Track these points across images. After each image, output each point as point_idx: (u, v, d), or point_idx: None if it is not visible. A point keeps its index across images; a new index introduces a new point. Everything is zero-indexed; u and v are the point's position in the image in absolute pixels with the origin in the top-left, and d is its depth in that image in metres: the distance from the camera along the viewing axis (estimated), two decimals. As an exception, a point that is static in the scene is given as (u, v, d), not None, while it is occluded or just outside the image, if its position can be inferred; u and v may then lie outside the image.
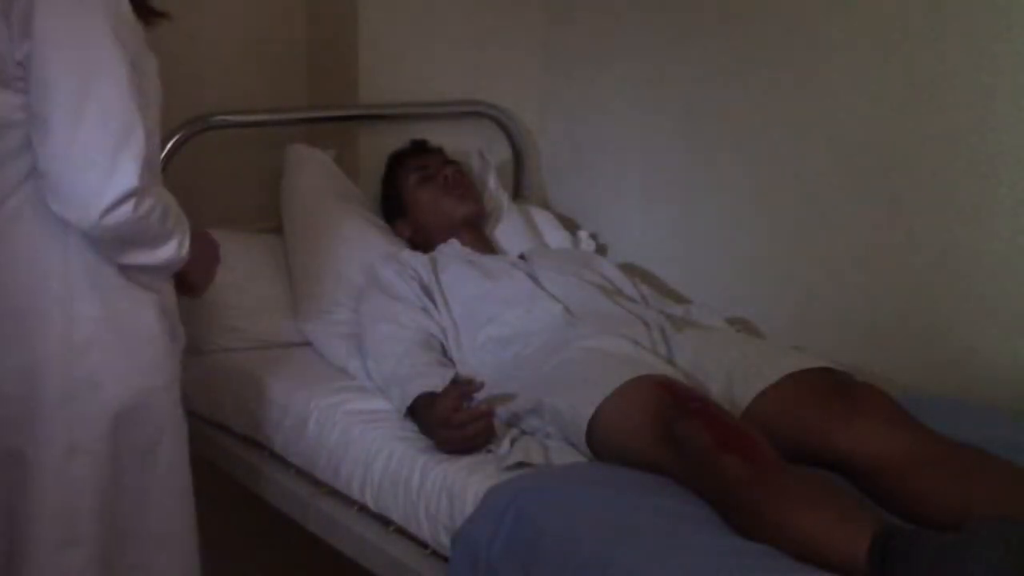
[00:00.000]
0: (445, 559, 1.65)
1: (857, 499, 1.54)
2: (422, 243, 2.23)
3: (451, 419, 1.69)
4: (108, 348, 1.57)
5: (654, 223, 2.34)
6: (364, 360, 2.00)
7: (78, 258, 1.54)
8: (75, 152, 1.46)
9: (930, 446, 1.58)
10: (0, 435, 1.56)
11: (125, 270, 1.58)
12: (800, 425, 1.66)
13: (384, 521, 1.78)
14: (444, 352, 1.98)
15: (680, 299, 2.16)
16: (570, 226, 2.42)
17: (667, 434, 1.60)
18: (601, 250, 2.34)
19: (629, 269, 2.24)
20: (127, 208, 1.47)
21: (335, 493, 1.88)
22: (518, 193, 2.52)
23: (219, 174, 2.26)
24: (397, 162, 2.30)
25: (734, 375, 1.76)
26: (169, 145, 2.10)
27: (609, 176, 2.41)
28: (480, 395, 1.73)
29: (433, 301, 2.03)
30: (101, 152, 1.46)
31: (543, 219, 2.43)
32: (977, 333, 1.86)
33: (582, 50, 2.49)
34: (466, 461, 1.70)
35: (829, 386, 1.71)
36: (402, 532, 1.75)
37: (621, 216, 2.39)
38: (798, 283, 2.10)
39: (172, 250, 1.58)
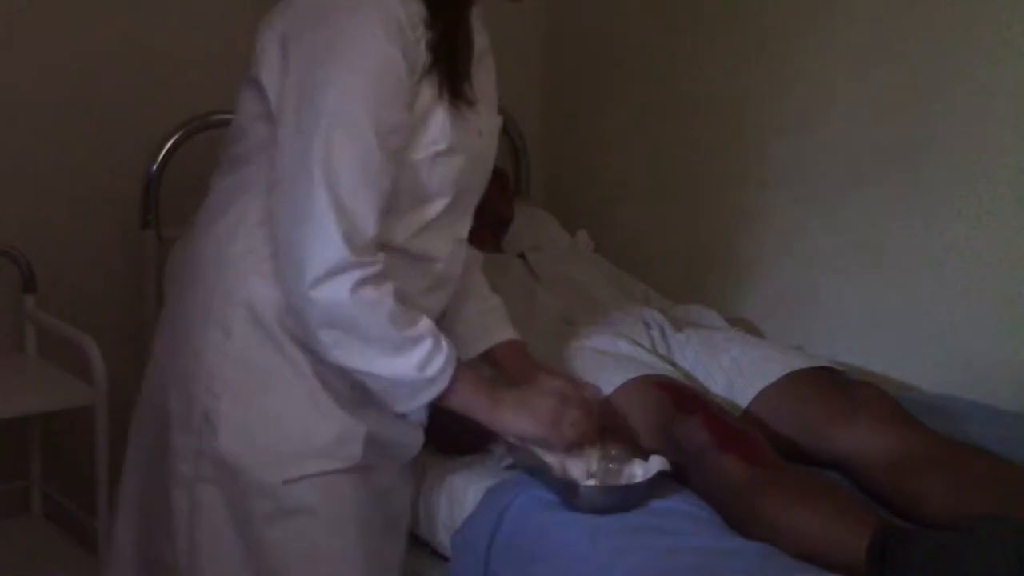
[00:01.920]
0: (445, 559, 1.64)
1: (856, 498, 1.54)
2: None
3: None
4: (235, 392, 1.43)
5: (654, 223, 2.34)
6: None
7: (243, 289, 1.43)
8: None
9: (929, 445, 1.58)
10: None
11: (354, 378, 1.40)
12: (800, 424, 1.66)
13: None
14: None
15: (680, 299, 2.15)
16: (570, 226, 2.42)
17: (666, 433, 1.60)
18: (600, 250, 2.33)
19: (629, 269, 2.24)
20: (340, 286, 1.34)
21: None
22: (518, 193, 2.51)
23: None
24: None
25: (734, 375, 1.76)
26: (169, 144, 2.09)
27: (609, 176, 2.41)
28: None
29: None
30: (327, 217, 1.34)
31: (543, 219, 2.43)
32: (977, 332, 1.86)
33: (583, 50, 2.49)
34: (467, 460, 1.69)
35: (829, 385, 1.71)
36: (402, 532, 1.75)
37: (621, 216, 2.38)
38: (798, 283, 2.10)
39: (408, 367, 1.39)
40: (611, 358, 1.75)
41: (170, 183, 2.11)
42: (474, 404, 1.47)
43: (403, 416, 1.50)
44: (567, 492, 1.51)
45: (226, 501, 1.43)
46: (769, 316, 2.09)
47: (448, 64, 1.41)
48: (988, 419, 1.74)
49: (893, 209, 1.95)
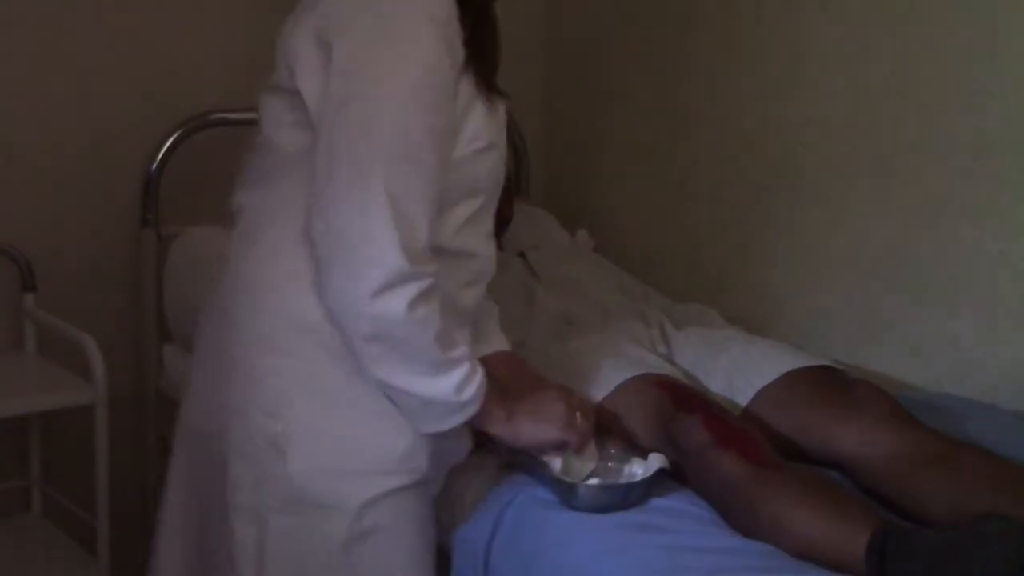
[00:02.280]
0: (446, 557, 1.64)
1: (856, 497, 1.54)
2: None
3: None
4: (301, 415, 1.39)
5: (654, 223, 2.33)
6: None
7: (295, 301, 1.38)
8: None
9: (929, 444, 1.58)
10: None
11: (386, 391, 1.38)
12: (799, 423, 1.66)
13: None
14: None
15: (679, 298, 2.15)
16: (570, 225, 2.42)
17: (666, 432, 1.60)
18: (600, 250, 2.33)
19: (628, 269, 2.24)
20: (399, 300, 1.30)
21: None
22: (518, 192, 2.51)
23: (218, 172, 2.24)
24: None
25: (733, 373, 1.75)
26: (168, 142, 2.09)
27: (609, 176, 2.41)
28: None
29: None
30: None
31: (543, 218, 2.43)
32: (974, 331, 1.85)
33: (583, 50, 2.49)
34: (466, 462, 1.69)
35: (828, 384, 1.71)
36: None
37: (621, 216, 2.38)
38: (798, 282, 2.10)
39: (447, 388, 1.37)
40: (611, 357, 1.75)
41: (170, 182, 2.11)
42: (492, 419, 1.46)
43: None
44: (566, 491, 1.51)
45: (297, 528, 1.40)
46: (769, 315, 2.09)
47: (483, 59, 1.40)
48: (987, 418, 1.73)
49: (892, 209, 1.95)
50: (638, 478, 1.52)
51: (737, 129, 2.17)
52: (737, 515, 1.49)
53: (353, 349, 1.36)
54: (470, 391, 1.39)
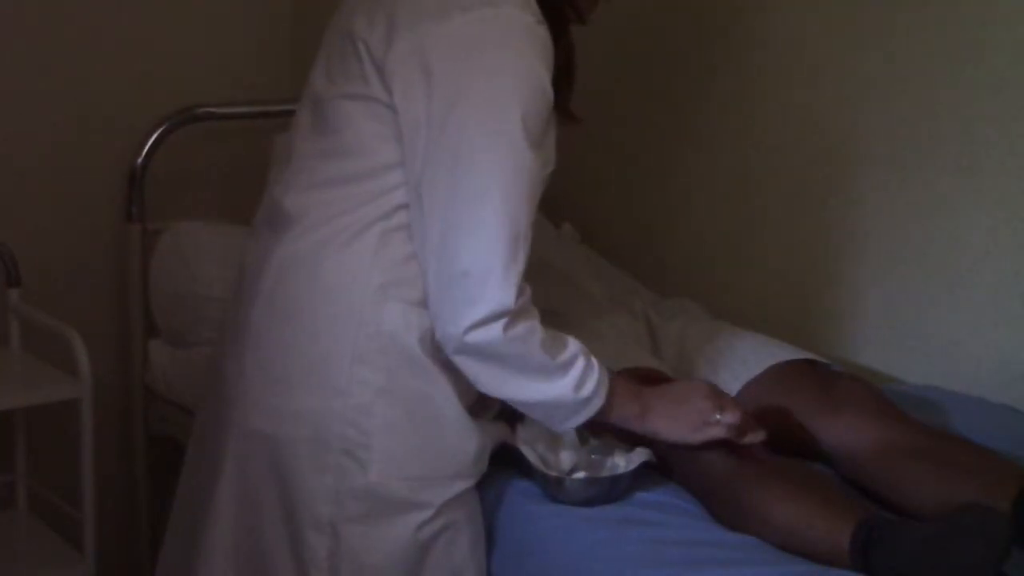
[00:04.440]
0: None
1: (842, 490, 1.54)
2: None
3: None
4: (386, 426, 1.40)
5: (640, 217, 2.33)
6: None
7: (372, 311, 1.39)
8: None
9: (913, 437, 1.58)
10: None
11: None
12: (784, 417, 1.65)
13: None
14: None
15: (666, 293, 2.14)
16: (555, 218, 2.41)
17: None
18: (586, 243, 2.31)
19: (614, 262, 2.22)
20: (497, 327, 1.32)
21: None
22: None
23: (205, 166, 2.25)
24: None
25: (719, 367, 1.75)
26: (154, 137, 2.09)
27: (595, 169, 2.39)
28: None
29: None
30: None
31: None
32: (958, 324, 1.85)
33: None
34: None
35: (813, 378, 1.70)
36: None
37: (607, 209, 2.37)
38: (784, 275, 2.09)
39: (564, 389, 1.39)
40: (596, 350, 1.75)
41: (155, 176, 2.11)
42: (625, 415, 1.47)
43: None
44: (552, 485, 1.51)
45: (372, 535, 1.41)
46: (754, 310, 2.08)
47: (565, 85, 1.41)
48: (972, 411, 1.73)
49: (876, 201, 1.95)
50: (621, 470, 1.52)
51: (724, 121, 2.16)
52: (722, 508, 1.49)
53: (464, 372, 1.38)
54: (589, 387, 1.40)
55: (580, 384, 1.40)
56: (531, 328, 1.36)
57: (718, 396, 1.51)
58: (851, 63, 1.96)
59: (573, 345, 1.41)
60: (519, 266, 1.34)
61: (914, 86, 1.88)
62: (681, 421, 1.49)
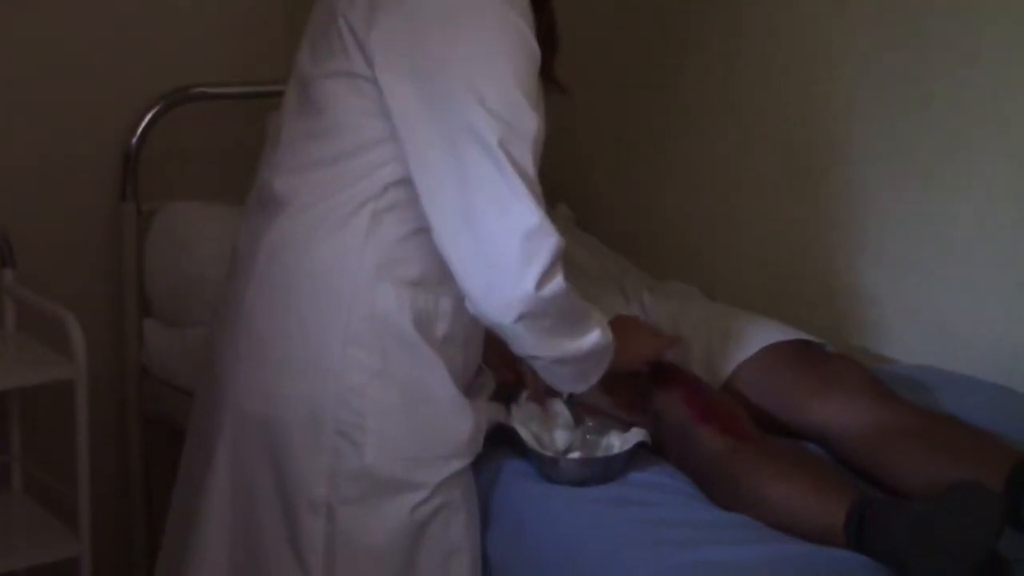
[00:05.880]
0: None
1: (835, 470, 1.55)
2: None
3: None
4: (381, 408, 1.40)
5: (635, 198, 2.32)
6: None
7: (365, 297, 1.39)
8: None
9: (907, 417, 1.59)
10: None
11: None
12: (778, 397, 1.66)
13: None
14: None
15: (660, 275, 2.14)
16: (549, 199, 2.40)
17: (646, 407, 1.60)
18: (580, 224, 2.31)
19: (608, 244, 2.22)
20: (560, 275, 1.32)
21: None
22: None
23: (200, 146, 2.24)
24: None
25: (714, 347, 1.75)
26: (148, 117, 2.08)
27: (590, 149, 2.38)
28: None
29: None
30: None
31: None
32: (951, 304, 1.86)
33: (563, 22, 2.45)
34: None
35: (807, 358, 1.71)
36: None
37: (602, 190, 2.37)
38: (776, 256, 2.09)
39: (598, 334, 1.41)
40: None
41: (150, 156, 2.10)
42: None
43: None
44: (547, 465, 1.51)
45: (368, 516, 1.41)
46: (749, 292, 2.07)
47: (548, 51, 1.41)
48: (965, 390, 1.74)
49: (874, 181, 1.94)
50: (616, 450, 1.52)
51: (720, 103, 2.16)
52: (718, 489, 1.49)
53: (518, 345, 1.38)
54: (607, 330, 1.44)
55: (604, 328, 1.43)
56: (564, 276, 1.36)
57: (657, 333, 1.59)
58: (844, 42, 1.96)
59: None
60: (543, 207, 1.34)
61: (905, 62, 1.87)
62: (630, 356, 1.53)
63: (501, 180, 1.30)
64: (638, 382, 1.61)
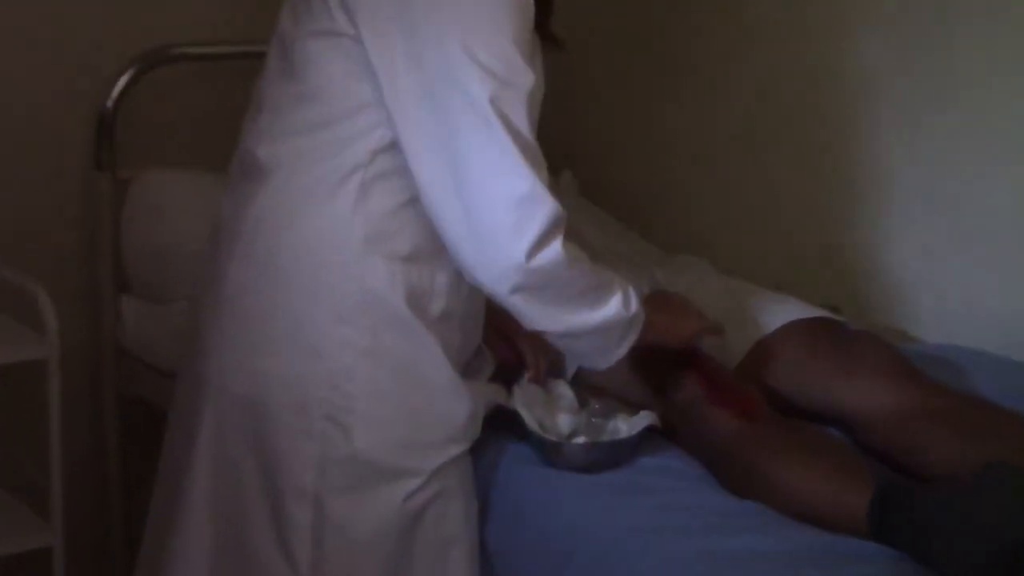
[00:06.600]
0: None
1: (856, 455, 1.51)
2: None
3: None
4: (373, 390, 1.37)
5: (643, 166, 2.30)
6: None
7: (356, 270, 1.35)
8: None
9: (931, 397, 1.56)
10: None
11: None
12: (798, 377, 1.63)
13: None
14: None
15: (671, 248, 2.12)
16: (553, 166, 2.37)
17: (659, 388, 1.58)
18: (586, 194, 2.29)
19: (617, 214, 2.20)
20: (557, 245, 1.29)
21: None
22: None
23: (180, 110, 2.18)
24: None
25: (729, 326, 1.70)
26: (124, 79, 2.01)
27: (596, 115, 2.36)
28: None
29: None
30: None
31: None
32: (978, 281, 1.84)
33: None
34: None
35: (828, 337, 1.67)
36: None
37: (608, 158, 2.35)
38: (798, 232, 2.08)
39: (616, 307, 1.37)
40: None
41: (126, 121, 2.04)
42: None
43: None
44: (550, 450, 1.47)
45: (358, 506, 1.38)
46: (762, 265, 2.06)
47: (546, 7, 1.38)
48: (992, 370, 1.72)
49: (892, 158, 1.93)
50: (623, 435, 1.49)
51: (727, 72, 2.14)
52: (730, 474, 1.47)
53: (518, 314, 1.34)
54: (635, 302, 1.40)
55: (627, 301, 1.39)
56: (570, 248, 1.32)
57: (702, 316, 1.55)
58: (866, 9, 1.94)
59: (600, 265, 1.40)
60: (544, 174, 1.30)
61: (926, 21, 1.85)
62: (671, 332, 1.50)
63: (491, 142, 1.27)
64: (663, 363, 1.58)
